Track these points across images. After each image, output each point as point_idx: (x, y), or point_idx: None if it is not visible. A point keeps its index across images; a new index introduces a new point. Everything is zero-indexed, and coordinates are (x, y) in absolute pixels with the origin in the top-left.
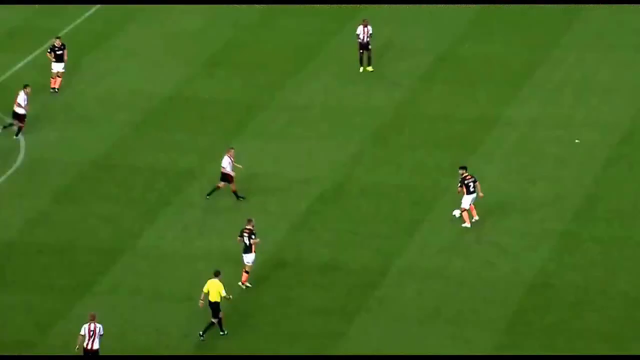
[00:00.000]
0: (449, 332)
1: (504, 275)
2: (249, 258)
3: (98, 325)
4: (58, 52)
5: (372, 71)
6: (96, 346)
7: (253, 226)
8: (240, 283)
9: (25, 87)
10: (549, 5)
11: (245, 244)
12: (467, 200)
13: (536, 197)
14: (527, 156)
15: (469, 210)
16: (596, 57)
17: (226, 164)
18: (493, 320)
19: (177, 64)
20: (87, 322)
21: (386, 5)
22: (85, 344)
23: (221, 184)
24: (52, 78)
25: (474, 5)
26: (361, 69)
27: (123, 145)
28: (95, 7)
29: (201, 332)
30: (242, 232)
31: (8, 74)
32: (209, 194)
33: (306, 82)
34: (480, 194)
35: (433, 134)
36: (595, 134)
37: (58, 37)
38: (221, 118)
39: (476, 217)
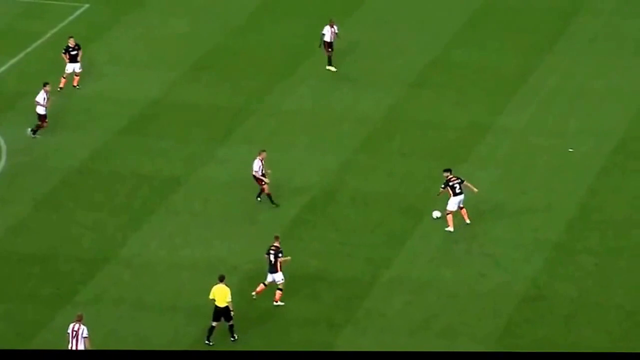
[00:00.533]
0: (439, 344)
1: (496, 287)
2: (277, 277)
3: (82, 327)
4: (72, 53)
5: (335, 71)
6: (80, 347)
7: (280, 243)
8: (274, 302)
9: (44, 85)
10: (544, 10)
11: (271, 261)
12: (453, 203)
13: (529, 206)
14: (520, 165)
15: (458, 214)
16: (590, 64)
17: (257, 167)
18: (484, 333)
19: (163, 68)
20: (73, 322)
21: (377, 8)
22: (69, 345)
23: (265, 186)
24: (63, 78)
25: (467, 9)
26: (331, 69)
27: (107, 151)
28: (80, 10)
29: (208, 339)
30: (268, 249)
31: None
32: (258, 196)
33: (295, 87)
34: (474, 189)
35: (424, 142)
36: (589, 143)
37: (71, 37)
38: (208, 124)
39: (467, 221)
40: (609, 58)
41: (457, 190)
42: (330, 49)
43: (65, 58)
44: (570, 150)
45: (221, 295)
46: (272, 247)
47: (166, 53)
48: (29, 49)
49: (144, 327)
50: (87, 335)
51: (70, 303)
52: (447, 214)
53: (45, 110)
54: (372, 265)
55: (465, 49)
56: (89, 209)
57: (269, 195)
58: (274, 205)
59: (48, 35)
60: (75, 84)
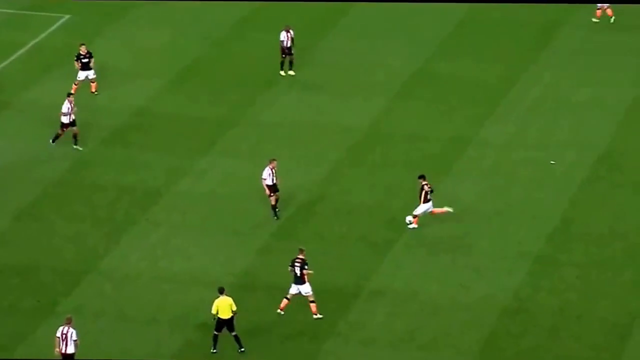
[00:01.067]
0: (421, 357)
1: (479, 299)
2: (305, 289)
3: (72, 330)
4: (84, 60)
5: (293, 75)
6: (70, 350)
7: (305, 256)
8: (314, 315)
9: (68, 95)
10: (526, 22)
11: (296, 274)
12: (422, 209)
13: (512, 219)
14: (503, 177)
15: (438, 216)
16: (573, 76)
17: (266, 175)
18: (467, 345)
19: (145, 79)
20: (62, 325)
21: (361, 19)
22: (59, 348)
23: (272, 196)
24: (75, 84)
25: (451, 19)
26: (282, 73)
27: (88, 162)
28: (61, 21)
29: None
30: (293, 262)
31: None
32: (276, 212)
33: (277, 98)
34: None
35: (407, 153)
36: (571, 154)
37: (83, 44)
38: (189, 135)
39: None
40: (591, 70)
41: (429, 197)
42: (284, 55)
43: (77, 65)
44: (552, 162)
45: (225, 307)
46: (298, 260)
47: (148, 64)
48: (11, 59)
49: (125, 339)
50: (76, 339)
51: (52, 315)
52: (414, 217)
53: (70, 118)
54: (355, 276)
55: (448, 61)
56: (70, 220)
57: (273, 207)
58: (275, 218)
59: (29, 45)
60: (93, 91)
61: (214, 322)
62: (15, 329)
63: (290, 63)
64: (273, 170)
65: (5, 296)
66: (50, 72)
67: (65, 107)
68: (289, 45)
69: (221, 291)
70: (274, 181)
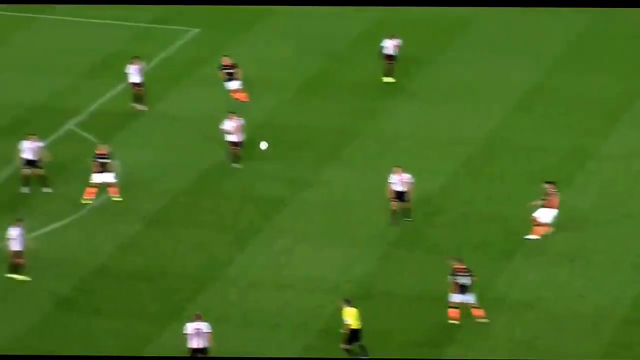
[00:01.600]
0: None
1: (597, 309)
2: (469, 298)
3: (203, 323)
4: (228, 71)
5: (394, 82)
6: (203, 344)
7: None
8: (479, 320)
9: (230, 113)
10: None
11: (465, 284)
12: (547, 214)
13: (630, 230)
14: (622, 188)
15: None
16: None
17: (395, 179)
18: (586, 355)
19: (269, 91)
20: (192, 321)
21: (482, 32)
22: (191, 343)
23: (396, 201)
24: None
25: (569, 34)
26: (384, 80)
27: (214, 172)
28: (190, 34)
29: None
30: (454, 272)
31: (101, 100)
32: (395, 219)
33: (397, 109)
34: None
35: (525, 165)
36: None
37: (226, 56)
38: (313, 146)
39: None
40: None
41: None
42: (390, 61)
43: (221, 76)
44: None
45: (355, 317)
46: (459, 269)
47: (272, 75)
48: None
49: (248, 343)
50: (209, 331)
51: (177, 319)
52: (538, 225)
53: (238, 137)
54: (476, 286)
55: (566, 73)
56: (197, 228)
57: (393, 212)
58: (409, 220)
59: (158, 58)
60: (243, 100)
61: (346, 334)
62: (143, 331)
63: (391, 70)
64: (400, 177)
65: (134, 300)
66: (180, 83)
67: (228, 125)
68: (393, 53)
69: (348, 302)
70: (401, 189)
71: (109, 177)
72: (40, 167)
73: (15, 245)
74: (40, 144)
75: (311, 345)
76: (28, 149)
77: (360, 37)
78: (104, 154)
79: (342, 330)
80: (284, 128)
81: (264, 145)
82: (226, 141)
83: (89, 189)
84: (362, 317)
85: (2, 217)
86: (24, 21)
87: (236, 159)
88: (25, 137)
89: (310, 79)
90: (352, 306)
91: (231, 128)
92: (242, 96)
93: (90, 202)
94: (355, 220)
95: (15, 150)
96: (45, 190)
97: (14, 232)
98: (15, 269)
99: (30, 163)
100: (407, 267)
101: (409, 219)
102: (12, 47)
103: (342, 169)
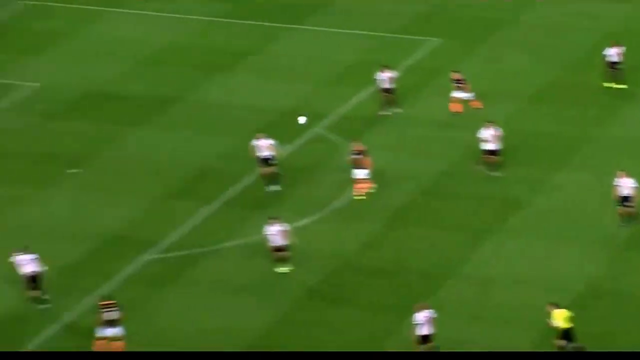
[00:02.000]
0: None
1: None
2: None
3: (430, 311)
4: (459, 85)
5: (624, 88)
6: (430, 331)
7: None
8: None
9: (488, 122)
10: None
11: None
12: None
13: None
14: None
15: None
16: None
17: (620, 184)
18: None
19: (502, 100)
20: (420, 311)
21: None
22: (420, 332)
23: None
24: (452, 103)
25: None
26: (605, 84)
27: (450, 174)
28: (430, 43)
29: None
30: None
31: (347, 105)
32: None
33: (626, 115)
34: None
35: None
36: None
37: (455, 71)
38: (547, 151)
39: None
40: None
41: None
42: (614, 68)
43: (454, 87)
44: None
45: (566, 318)
46: None
47: (507, 84)
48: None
49: (478, 338)
50: (435, 317)
51: (411, 313)
52: None
53: (495, 145)
54: None
55: None
56: (433, 228)
57: (620, 216)
58: (623, 226)
59: (402, 65)
60: (477, 106)
61: (559, 333)
62: (383, 325)
63: (617, 77)
64: (624, 181)
65: (374, 295)
66: (421, 91)
67: (486, 134)
68: (617, 60)
69: (556, 305)
70: (625, 193)
71: (363, 173)
72: (274, 165)
73: (276, 241)
74: (272, 141)
75: (537, 342)
76: (261, 147)
77: (595, 48)
78: (360, 151)
79: (553, 329)
80: (518, 133)
81: (302, 119)
82: (481, 149)
83: (356, 185)
84: (590, 317)
85: (254, 213)
86: (278, 31)
87: (492, 167)
88: (255, 136)
89: (542, 88)
90: (559, 308)
91: (489, 136)
92: (475, 104)
93: (363, 197)
94: (588, 222)
95: (250, 149)
96: (273, 188)
97: (272, 229)
98: (280, 261)
99: (264, 161)
100: (637, 269)
101: (624, 224)
102: (266, 56)
103: (575, 173)
